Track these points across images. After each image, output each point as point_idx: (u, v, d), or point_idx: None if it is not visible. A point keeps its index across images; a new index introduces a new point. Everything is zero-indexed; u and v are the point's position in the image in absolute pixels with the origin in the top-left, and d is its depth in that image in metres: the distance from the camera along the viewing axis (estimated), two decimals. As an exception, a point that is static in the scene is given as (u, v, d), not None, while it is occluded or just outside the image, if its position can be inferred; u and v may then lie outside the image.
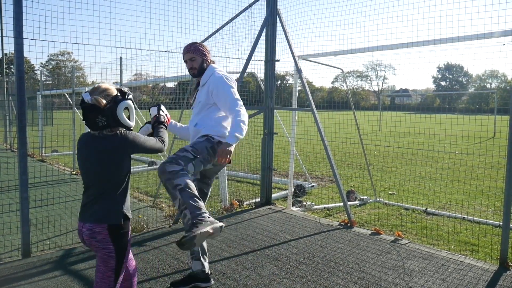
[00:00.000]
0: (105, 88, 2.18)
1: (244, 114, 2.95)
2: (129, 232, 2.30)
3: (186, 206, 2.69)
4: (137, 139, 2.24)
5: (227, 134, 3.17)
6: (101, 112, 2.11)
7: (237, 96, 3.05)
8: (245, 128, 2.92)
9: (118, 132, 2.20)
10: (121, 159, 2.20)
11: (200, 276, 3.20)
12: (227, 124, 3.17)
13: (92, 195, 2.21)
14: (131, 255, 2.45)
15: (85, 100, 2.12)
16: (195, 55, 3.15)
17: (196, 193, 2.79)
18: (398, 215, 5.81)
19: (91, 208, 2.18)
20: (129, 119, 2.24)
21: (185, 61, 3.22)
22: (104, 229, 2.14)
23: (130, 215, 2.28)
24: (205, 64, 3.19)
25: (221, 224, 2.65)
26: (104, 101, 2.12)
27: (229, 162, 2.88)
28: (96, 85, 2.21)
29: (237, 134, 2.84)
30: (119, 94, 2.20)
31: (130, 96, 2.24)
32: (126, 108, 2.20)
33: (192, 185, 2.78)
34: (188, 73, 3.30)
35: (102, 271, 2.21)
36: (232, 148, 2.82)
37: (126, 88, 2.28)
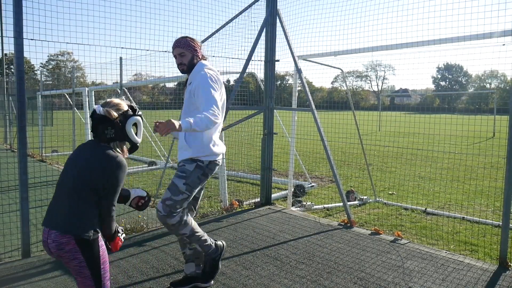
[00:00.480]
0: (117, 103, 2.24)
1: (213, 117, 2.70)
2: (100, 238, 2.17)
3: (196, 244, 3.15)
4: (120, 179, 2.13)
5: (216, 151, 3.02)
6: (111, 124, 2.17)
7: (216, 100, 2.79)
8: (204, 126, 2.65)
9: (119, 155, 2.16)
10: (101, 180, 2.11)
11: (199, 276, 3.21)
12: (216, 137, 3.04)
13: (61, 197, 2.13)
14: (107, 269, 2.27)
15: (97, 111, 2.18)
16: (185, 51, 3.00)
17: (200, 230, 3.09)
18: (398, 215, 5.82)
19: (59, 214, 2.10)
20: (136, 135, 2.29)
21: (174, 56, 3.07)
22: (71, 239, 2.06)
23: (100, 230, 2.18)
24: (195, 60, 3.04)
25: (223, 244, 3.31)
26: (115, 114, 2.18)
27: (156, 131, 2.49)
28: (108, 99, 2.26)
29: (192, 124, 2.57)
30: (129, 110, 2.26)
31: (140, 113, 2.30)
32: (135, 124, 2.26)
33: (195, 225, 3.06)
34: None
35: (82, 282, 2.14)
36: (174, 129, 2.47)
37: (135, 105, 2.33)
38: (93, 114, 2.20)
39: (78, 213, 2.09)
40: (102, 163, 2.11)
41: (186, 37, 3.07)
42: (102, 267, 2.17)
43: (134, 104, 2.34)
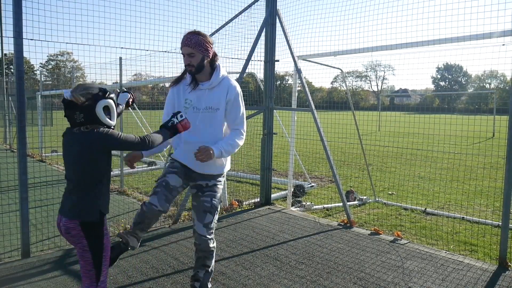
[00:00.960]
0: (87, 87, 2.24)
1: (243, 140, 2.92)
2: (105, 227, 2.32)
3: (201, 282, 2.95)
4: (112, 134, 2.22)
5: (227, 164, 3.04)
6: (79, 108, 2.18)
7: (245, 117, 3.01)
8: (233, 151, 2.86)
9: (94, 129, 2.22)
10: (96, 155, 2.21)
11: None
12: None
13: (70, 189, 2.27)
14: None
15: (65, 97, 2.20)
16: (195, 51, 2.69)
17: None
18: (398, 215, 5.82)
19: (69, 202, 2.24)
20: (110, 118, 2.28)
21: (182, 54, 2.75)
22: (77, 225, 2.20)
23: (106, 211, 2.32)
24: (205, 62, 2.77)
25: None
26: (82, 99, 2.18)
27: (198, 159, 2.65)
28: (79, 83, 2.28)
29: (223, 152, 2.74)
30: (100, 93, 2.24)
31: (112, 96, 2.29)
32: (106, 106, 2.24)
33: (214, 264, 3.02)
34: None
35: (83, 266, 2.27)
36: (211, 158, 2.64)
37: (108, 88, 2.33)
38: (63, 100, 2.21)
39: (85, 202, 2.22)
40: (90, 143, 2.18)
41: (198, 33, 2.72)
42: (104, 254, 2.29)
43: (107, 87, 2.35)
